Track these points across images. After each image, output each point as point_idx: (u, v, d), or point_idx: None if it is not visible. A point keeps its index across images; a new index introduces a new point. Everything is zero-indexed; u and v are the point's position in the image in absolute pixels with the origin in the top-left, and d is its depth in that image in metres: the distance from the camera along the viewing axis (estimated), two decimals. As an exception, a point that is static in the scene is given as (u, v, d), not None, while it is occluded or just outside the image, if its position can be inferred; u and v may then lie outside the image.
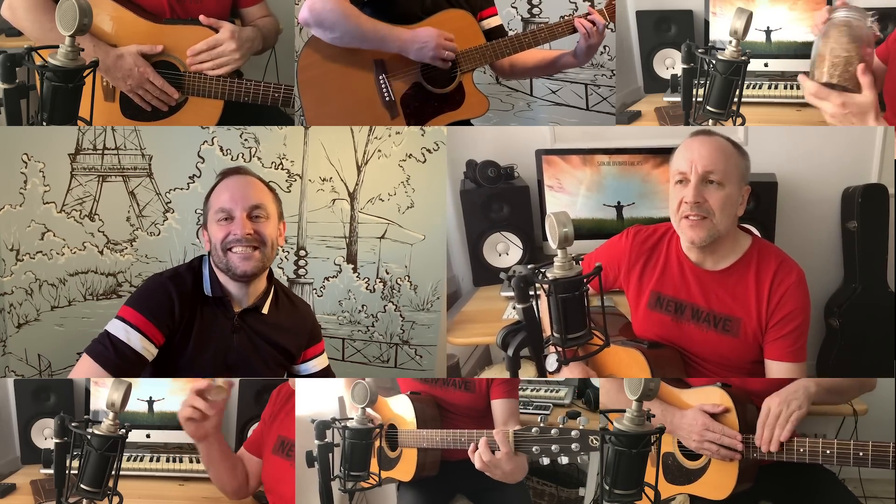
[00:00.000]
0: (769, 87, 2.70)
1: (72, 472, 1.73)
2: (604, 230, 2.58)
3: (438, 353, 2.84)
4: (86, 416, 2.19)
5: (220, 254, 1.82)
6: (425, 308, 2.82)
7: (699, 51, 1.76)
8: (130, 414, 2.63)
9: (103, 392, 2.38)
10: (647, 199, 2.60)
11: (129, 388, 1.62)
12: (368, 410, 2.08)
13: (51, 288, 2.80)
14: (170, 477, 2.59)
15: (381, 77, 2.23)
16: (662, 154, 2.50)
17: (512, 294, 1.44)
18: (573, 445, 1.53)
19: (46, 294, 2.80)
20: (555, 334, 1.41)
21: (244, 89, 2.24)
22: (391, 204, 2.77)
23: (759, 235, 1.98)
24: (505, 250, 2.75)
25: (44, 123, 1.71)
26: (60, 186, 2.77)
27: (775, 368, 1.82)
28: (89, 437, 1.62)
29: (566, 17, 2.31)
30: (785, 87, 2.69)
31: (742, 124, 1.77)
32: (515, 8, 2.99)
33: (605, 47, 2.92)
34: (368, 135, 2.74)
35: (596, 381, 2.58)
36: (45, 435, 2.75)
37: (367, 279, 2.81)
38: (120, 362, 1.72)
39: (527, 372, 1.52)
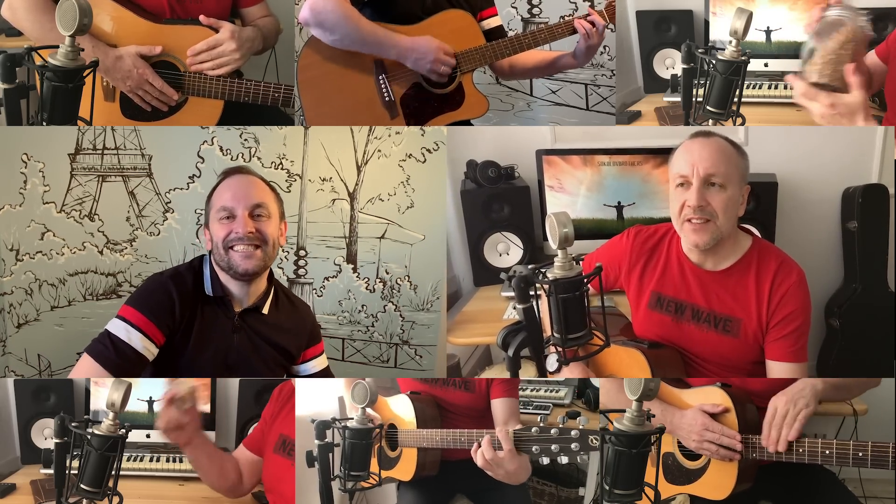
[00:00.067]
0: (769, 87, 2.70)
1: (72, 472, 1.73)
2: (604, 230, 2.58)
3: (438, 353, 2.84)
4: (86, 416, 2.20)
5: (221, 252, 1.82)
6: (425, 308, 2.82)
7: (699, 51, 1.76)
8: (130, 414, 2.63)
9: (103, 392, 2.38)
10: (648, 199, 2.60)
11: (129, 388, 1.62)
12: (368, 410, 2.08)
13: (51, 288, 2.80)
14: (170, 477, 2.59)
15: (380, 77, 2.23)
16: (663, 154, 2.49)
17: (512, 294, 1.44)
18: (573, 445, 1.53)
19: (46, 294, 2.80)
20: (555, 334, 1.41)
21: (244, 89, 2.24)
22: (391, 204, 2.77)
23: (759, 236, 1.98)
24: (505, 250, 2.75)
25: (44, 123, 1.71)
26: (60, 186, 2.77)
27: (776, 369, 1.82)
28: (89, 437, 1.62)
29: (566, 18, 2.31)
30: (785, 87, 2.69)
31: (742, 124, 1.77)
32: (515, 8, 2.99)
33: (605, 47, 2.92)
34: (368, 135, 2.74)
35: (596, 381, 2.58)
36: (45, 435, 2.75)
37: (366, 279, 2.81)
38: (120, 362, 1.72)
39: (527, 372, 1.52)
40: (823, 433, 1.73)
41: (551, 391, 2.87)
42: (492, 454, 1.69)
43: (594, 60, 2.74)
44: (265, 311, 1.92)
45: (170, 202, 2.77)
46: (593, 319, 1.43)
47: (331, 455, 2.05)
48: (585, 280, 1.38)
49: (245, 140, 2.74)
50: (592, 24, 2.26)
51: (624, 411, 1.49)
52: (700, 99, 1.78)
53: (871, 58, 2.04)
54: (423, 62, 2.16)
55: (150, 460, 2.63)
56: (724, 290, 1.87)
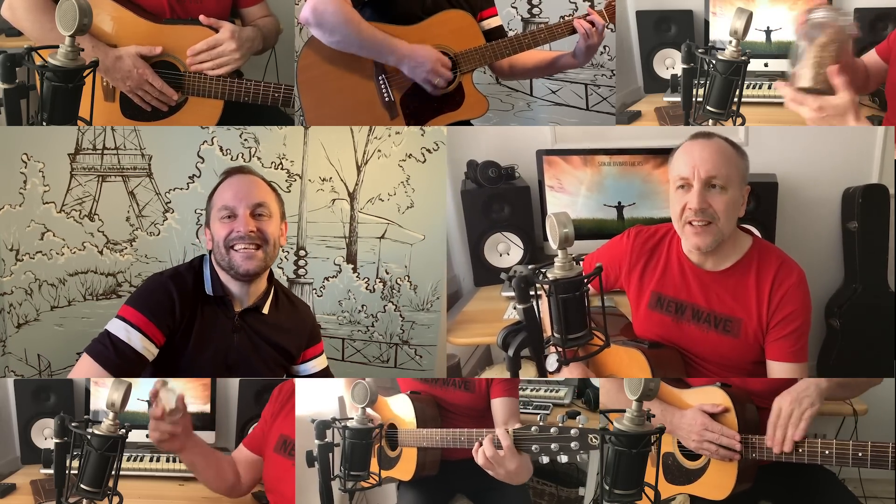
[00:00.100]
0: (769, 87, 2.70)
1: (72, 472, 1.73)
2: (604, 230, 2.58)
3: (438, 353, 2.84)
4: (86, 416, 2.20)
5: (222, 251, 1.82)
6: (425, 308, 2.82)
7: (699, 51, 1.76)
8: (130, 414, 2.60)
9: (103, 392, 2.38)
10: (648, 199, 2.60)
11: (129, 388, 1.62)
12: (368, 410, 2.08)
13: (50, 288, 2.80)
14: (170, 477, 2.59)
15: (380, 78, 2.23)
16: (663, 154, 2.48)
17: (513, 294, 1.44)
18: (572, 444, 1.53)
19: (46, 294, 2.80)
20: (555, 334, 1.41)
21: (244, 89, 2.24)
22: (391, 204, 2.77)
23: (759, 236, 1.98)
24: (506, 250, 2.75)
25: (44, 123, 1.71)
26: (60, 186, 2.77)
27: (777, 369, 1.82)
28: (89, 437, 1.62)
29: (566, 18, 2.31)
30: (785, 87, 2.68)
31: (742, 124, 1.77)
32: (515, 8, 2.99)
33: (605, 47, 2.92)
34: (368, 135, 2.74)
35: (596, 381, 2.58)
36: (45, 435, 2.75)
37: (366, 279, 2.81)
38: (120, 362, 1.72)
39: (527, 372, 1.52)
40: (823, 433, 1.73)
41: (551, 391, 2.87)
42: (492, 451, 1.69)
43: (594, 60, 2.74)
44: (265, 311, 1.92)
45: (170, 202, 2.77)
46: (593, 319, 1.43)
47: (331, 455, 2.05)
48: (586, 280, 1.38)
49: (245, 140, 2.74)
50: (592, 23, 2.26)
51: (624, 411, 1.49)
52: (700, 99, 1.78)
53: (872, 56, 2.04)
54: (420, 71, 2.17)
55: (150, 460, 2.63)
56: (725, 291, 1.87)
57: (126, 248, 2.78)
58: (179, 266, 1.93)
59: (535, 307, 1.42)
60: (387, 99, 2.24)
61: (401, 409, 2.23)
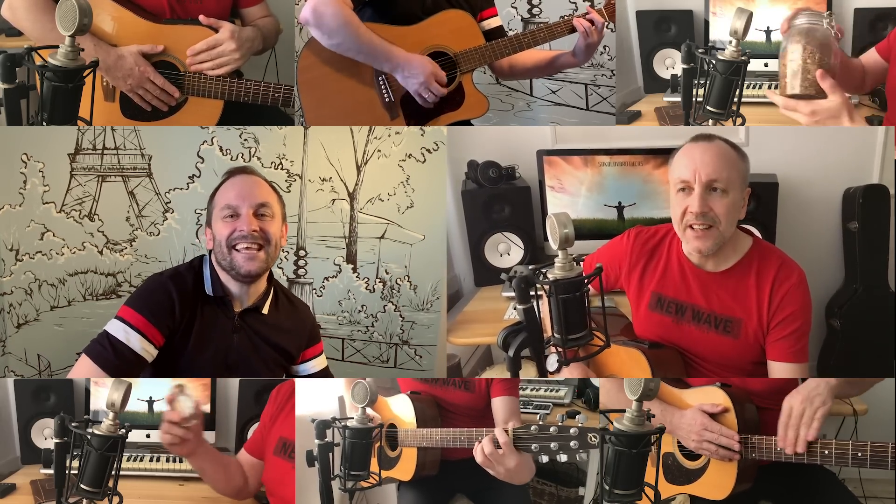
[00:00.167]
0: (769, 87, 2.70)
1: (72, 472, 1.73)
2: (605, 231, 2.58)
3: (438, 353, 2.84)
4: (86, 416, 2.20)
5: (224, 251, 1.82)
6: (425, 308, 2.82)
7: (699, 51, 1.76)
8: (130, 414, 2.63)
9: (103, 392, 2.38)
10: (649, 199, 2.60)
11: (129, 388, 1.62)
12: (368, 410, 2.08)
13: (50, 288, 2.80)
14: (170, 477, 2.59)
15: (380, 78, 2.23)
16: (663, 154, 2.49)
17: (513, 294, 1.44)
18: (572, 443, 1.53)
19: (46, 294, 2.80)
20: (555, 335, 1.41)
21: (244, 89, 2.24)
22: (391, 204, 2.77)
23: (759, 236, 1.98)
24: (506, 251, 2.75)
25: (44, 123, 1.71)
26: (60, 186, 2.77)
27: (777, 369, 1.82)
28: (89, 437, 1.62)
29: (565, 17, 2.31)
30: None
31: (742, 124, 1.77)
32: (515, 8, 2.99)
33: (605, 47, 2.92)
34: (368, 135, 2.74)
35: (596, 381, 2.58)
36: (45, 435, 2.75)
37: (366, 279, 2.81)
38: (119, 363, 1.72)
39: (527, 372, 1.52)
40: (823, 433, 1.73)
41: (551, 391, 2.87)
42: (491, 449, 1.69)
43: (594, 60, 2.74)
44: (265, 311, 1.92)
45: (170, 202, 2.76)
46: (594, 320, 1.43)
47: (331, 455, 2.05)
48: (586, 280, 1.38)
49: (245, 140, 2.74)
50: (591, 22, 2.26)
51: (624, 411, 1.49)
52: (700, 99, 1.77)
53: (872, 55, 2.03)
54: (412, 81, 2.17)
55: (150, 460, 2.63)
56: (725, 291, 1.86)
57: (126, 248, 2.78)
58: (179, 266, 1.92)
59: (536, 307, 1.42)
60: (387, 99, 2.24)
61: (401, 409, 2.23)
